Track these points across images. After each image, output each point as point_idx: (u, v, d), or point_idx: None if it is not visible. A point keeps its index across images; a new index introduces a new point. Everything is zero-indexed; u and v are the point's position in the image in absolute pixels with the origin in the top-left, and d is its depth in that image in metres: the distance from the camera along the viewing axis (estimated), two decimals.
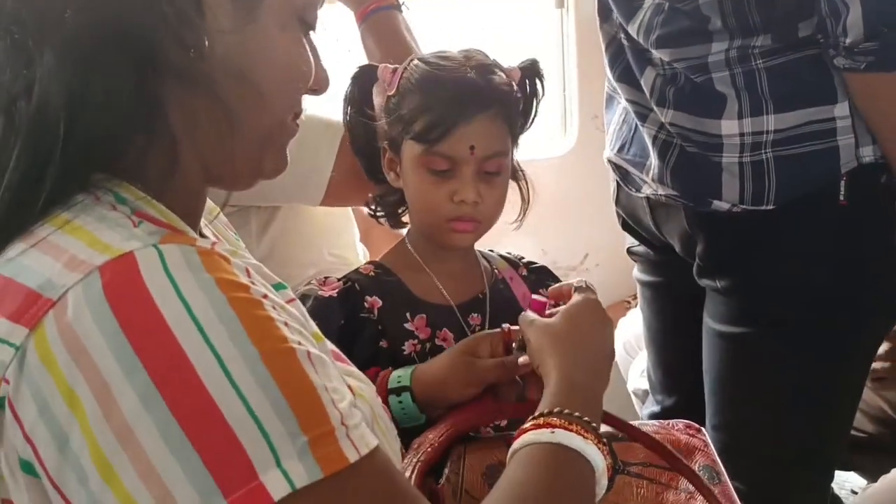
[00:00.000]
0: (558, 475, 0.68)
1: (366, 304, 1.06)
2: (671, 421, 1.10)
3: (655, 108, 1.28)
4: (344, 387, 0.57)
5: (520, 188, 1.17)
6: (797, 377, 1.29)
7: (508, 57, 1.14)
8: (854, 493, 1.96)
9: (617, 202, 1.50)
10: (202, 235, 0.74)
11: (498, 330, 0.98)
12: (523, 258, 1.24)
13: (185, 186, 0.63)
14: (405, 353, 1.06)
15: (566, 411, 0.72)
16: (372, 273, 1.11)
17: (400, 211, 1.17)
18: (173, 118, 0.60)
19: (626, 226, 1.52)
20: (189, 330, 0.50)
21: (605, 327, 0.88)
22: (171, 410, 0.48)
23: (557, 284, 0.99)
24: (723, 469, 0.99)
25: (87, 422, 0.49)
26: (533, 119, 1.15)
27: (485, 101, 1.05)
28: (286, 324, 0.54)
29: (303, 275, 1.37)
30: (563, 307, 0.89)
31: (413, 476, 0.84)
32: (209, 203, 0.83)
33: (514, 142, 1.12)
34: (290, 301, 0.63)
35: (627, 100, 1.35)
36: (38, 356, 0.51)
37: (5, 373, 0.51)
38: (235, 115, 0.62)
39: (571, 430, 0.71)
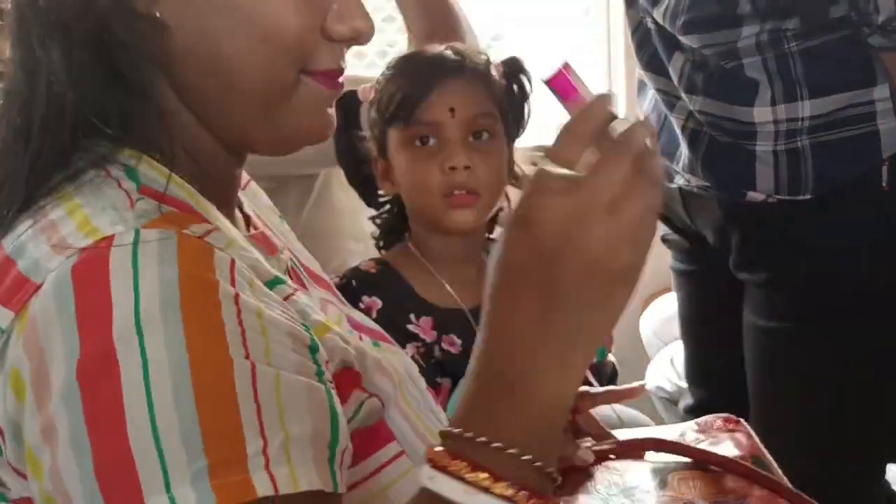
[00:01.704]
0: None
1: (361, 305, 1.01)
2: (708, 419, 1.07)
3: (684, 96, 1.24)
4: (309, 415, 0.50)
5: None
6: (838, 371, 1.25)
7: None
8: None
9: None
10: (242, 211, 0.73)
11: None
12: None
13: (199, 154, 0.62)
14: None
15: (468, 434, 0.46)
16: (374, 270, 1.07)
17: (399, 227, 1.12)
18: (160, 92, 0.59)
19: (659, 216, 1.48)
20: (128, 326, 0.47)
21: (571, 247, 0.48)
22: (83, 411, 0.46)
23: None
24: (771, 459, 0.96)
25: (27, 411, 0.49)
26: (527, 118, 1.10)
27: (457, 67, 1.02)
28: (243, 333, 0.49)
29: (346, 247, 1.37)
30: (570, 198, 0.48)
31: None
32: (252, 185, 0.83)
33: (504, 121, 1.06)
34: (288, 296, 0.58)
35: (655, 88, 1.32)
36: (17, 341, 0.50)
37: None
38: (217, 83, 0.59)
39: (455, 474, 0.45)
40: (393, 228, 1.13)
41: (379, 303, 1.02)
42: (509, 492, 0.43)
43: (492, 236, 1.17)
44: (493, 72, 1.06)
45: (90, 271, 0.49)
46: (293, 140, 0.64)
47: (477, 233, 1.09)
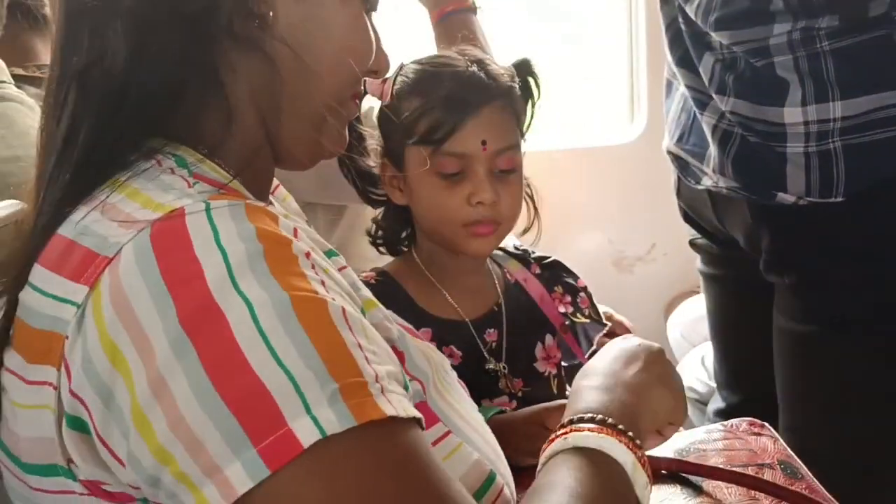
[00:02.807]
0: (579, 482, 0.60)
1: None
2: (734, 422, 1.08)
3: (715, 96, 1.22)
4: (386, 358, 0.54)
5: (527, 196, 1.10)
6: (868, 375, 1.23)
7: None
8: None
9: (678, 194, 1.44)
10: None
11: None
12: (532, 252, 1.16)
13: (245, 153, 0.63)
14: None
15: (598, 417, 0.65)
16: (373, 280, 1.05)
17: (403, 236, 1.10)
18: (233, 84, 0.61)
19: (687, 218, 1.47)
20: (222, 276, 0.49)
21: (662, 364, 0.77)
22: (199, 358, 0.48)
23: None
24: (800, 463, 0.97)
25: (129, 374, 0.49)
26: (531, 122, 1.07)
27: (489, 92, 0.99)
28: (322, 283, 0.53)
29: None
30: None
31: None
32: (282, 189, 0.84)
33: (522, 138, 1.05)
34: (342, 268, 0.62)
35: (687, 86, 1.30)
36: (93, 314, 0.51)
37: (68, 331, 0.52)
38: (291, 86, 0.62)
39: (582, 431, 0.63)
40: (397, 235, 1.10)
41: None
42: (613, 434, 0.64)
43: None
44: (516, 88, 1.04)
45: (169, 236, 0.51)
46: (321, 154, 0.70)
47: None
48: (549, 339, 1.09)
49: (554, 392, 1.08)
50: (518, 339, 1.07)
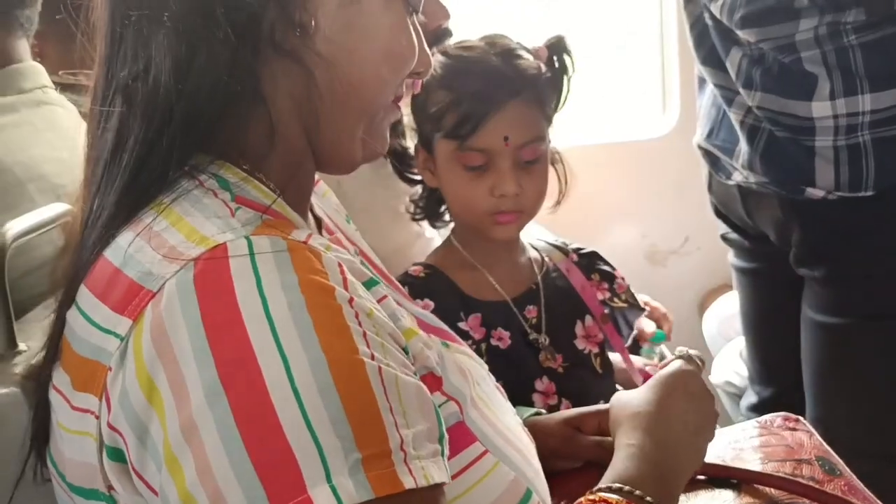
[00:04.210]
0: None
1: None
2: (768, 418, 1.07)
3: (742, 91, 1.22)
4: (417, 416, 0.53)
5: (556, 172, 1.13)
6: (894, 370, 1.22)
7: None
8: None
9: (709, 189, 1.44)
10: (314, 214, 0.76)
11: (609, 406, 0.91)
12: (571, 244, 1.20)
13: (289, 165, 0.63)
14: None
15: (626, 488, 0.66)
16: (422, 274, 1.09)
17: (441, 210, 1.15)
18: (275, 96, 0.61)
19: (718, 213, 1.46)
20: (262, 329, 0.49)
21: (699, 402, 0.79)
22: (231, 410, 0.48)
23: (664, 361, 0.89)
24: (838, 459, 0.96)
25: (163, 414, 0.50)
26: (566, 97, 1.09)
27: (513, 87, 1.02)
28: (364, 334, 0.53)
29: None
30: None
31: None
32: (321, 185, 0.85)
33: (549, 124, 1.08)
34: (382, 299, 0.61)
35: (714, 84, 1.30)
36: (134, 348, 0.51)
37: (111, 362, 0.53)
38: (334, 94, 0.62)
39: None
40: (435, 210, 1.16)
41: (431, 304, 1.04)
42: None
43: None
44: (542, 77, 1.06)
45: (212, 278, 0.51)
46: (365, 157, 0.69)
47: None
48: (588, 319, 1.12)
49: (597, 370, 1.11)
50: (558, 318, 1.11)
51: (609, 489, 0.67)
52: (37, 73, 1.25)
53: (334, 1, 0.61)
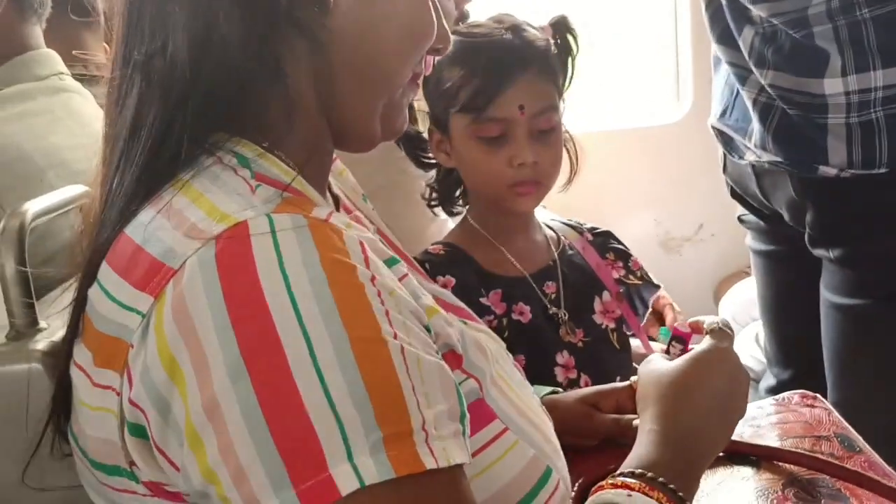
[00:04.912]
0: None
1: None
2: (785, 395, 1.07)
3: (755, 70, 1.21)
4: (439, 396, 0.53)
5: (567, 151, 1.14)
6: None
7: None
8: None
9: (724, 170, 1.44)
10: (331, 193, 0.76)
11: (626, 384, 0.91)
12: (585, 224, 1.21)
13: (308, 142, 0.63)
14: None
15: (650, 475, 0.65)
16: (442, 252, 1.11)
17: (457, 195, 1.16)
18: (294, 72, 0.60)
19: (734, 194, 1.46)
20: (284, 306, 0.49)
21: (731, 382, 0.76)
22: (254, 389, 0.48)
23: (694, 319, 0.86)
24: (857, 435, 0.96)
25: (185, 392, 0.50)
26: (572, 77, 1.11)
27: (525, 59, 1.04)
28: (387, 313, 0.53)
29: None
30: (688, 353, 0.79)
31: None
32: (337, 163, 0.85)
33: (560, 97, 1.09)
34: (402, 277, 0.61)
35: (728, 62, 1.29)
36: (156, 325, 0.52)
37: (132, 339, 0.53)
38: (356, 70, 0.62)
39: (651, 497, 0.63)
40: (451, 195, 1.17)
41: (452, 281, 1.06)
42: None
43: None
44: (552, 50, 1.08)
45: (234, 256, 0.51)
46: (384, 135, 0.69)
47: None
48: (606, 295, 1.14)
49: (615, 346, 1.12)
50: (576, 293, 1.12)
51: (631, 474, 0.66)
52: (52, 59, 1.26)
53: None
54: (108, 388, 0.55)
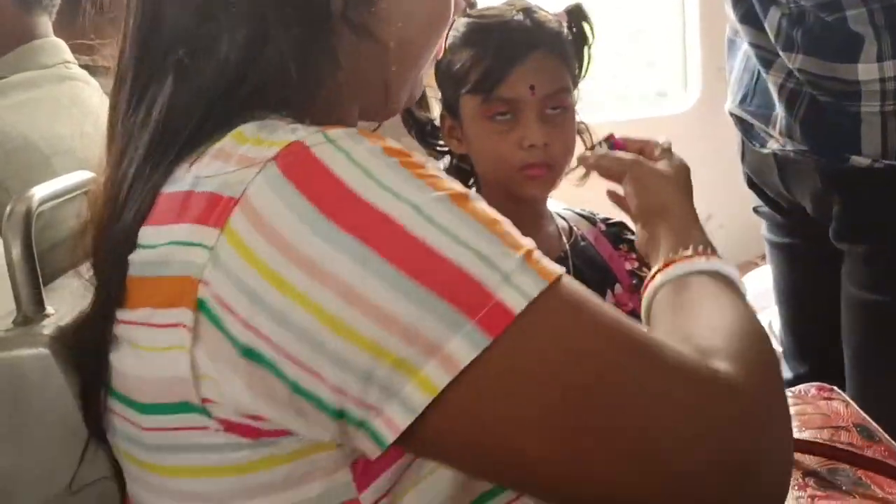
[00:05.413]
0: (735, 299, 0.67)
1: None
2: (802, 388, 1.07)
3: (782, 54, 1.18)
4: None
5: (583, 141, 1.12)
6: None
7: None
8: None
9: (742, 159, 1.41)
10: None
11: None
12: (598, 214, 1.20)
13: (339, 121, 0.64)
14: None
15: (700, 247, 0.72)
16: None
17: (469, 183, 1.13)
18: (341, 63, 0.62)
19: (751, 184, 1.43)
20: (370, 186, 0.51)
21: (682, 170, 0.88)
22: (387, 260, 0.50)
23: (643, 140, 0.94)
24: (876, 426, 0.96)
25: (304, 296, 0.50)
26: (588, 65, 1.10)
27: (536, 39, 1.02)
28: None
29: None
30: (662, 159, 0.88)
31: None
32: None
33: (574, 81, 1.07)
34: None
35: (751, 43, 1.25)
36: (235, 251, 0.52)
37: (203, 274, 0.53)
38: (396, 54, 0.66)
39: (714, 258, 0.71)
40: (463, 185, 1.15)
41: None
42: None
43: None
44: (564, 33, 1.07)
45: (301, 165, 0.52)
46: (407, 103, 0.73)
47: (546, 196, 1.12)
48: (618, 287, 1.12)
49: None
50: (588, 285, 1.08)
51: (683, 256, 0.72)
52: (58, 48, 1.25)
53: None
54: (178, 326, 0.54)
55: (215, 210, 0.53)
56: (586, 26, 1.08)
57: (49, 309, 0.70)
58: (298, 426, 0.54)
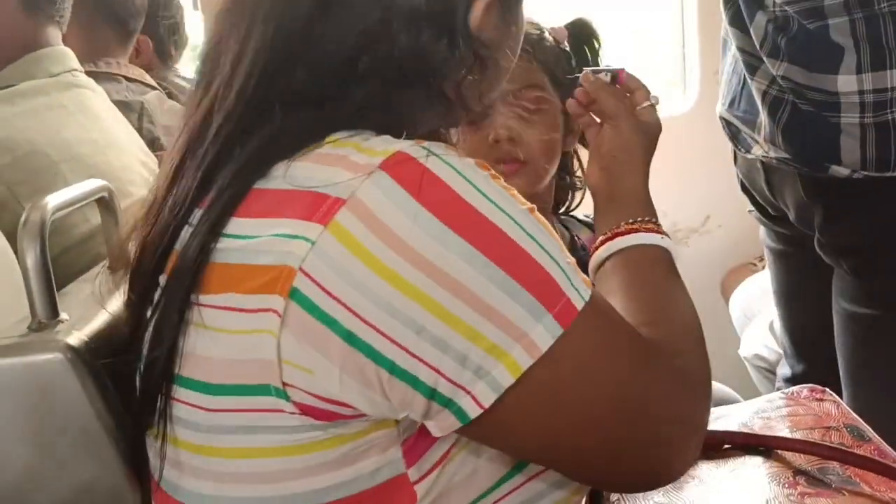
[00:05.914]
0: (674, 272, 0.82)
1: None
2: (794, 389, 1.08)
3: (766, 60, 1.17)
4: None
5: (570, 172, 1.13)
6: None
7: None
8: None
9: (735, 162, 1.40)
10: None
11: None
12: None
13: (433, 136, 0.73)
14: None
15: (639, 221, 0.84)
16: None
17: None
18: (451, 93, 0.70)
19: (744, 188, 1.42)
20: (477, 197, 0.59)
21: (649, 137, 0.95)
22: (492, 261, 0.58)
23: (642, 84, 0.96)
24: (867, 426, 0.97)
25: (414, 288, 0.57)
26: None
27: None
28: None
29: None
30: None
31: None
32: None
33: (557, 88, 1.06)
34: None
35: (738, 48, 1.24)
36: (343, 246, 0.57)
37: (301, 264, 0.57)
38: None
39: (653, 232, 0.83)
40: None
41: None
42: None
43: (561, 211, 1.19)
44: (546, 36, 1.06)
45: (412, 173, 0.59)
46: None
47: (534, 201, 1.11)
48: None
49: None
50: None
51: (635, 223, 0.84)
52: (66, 56, 1.27)
53: (484, 8, 0.70)
54: (268, 311, 0.58)
55: (320, 208, 0.58)
56: (595, 44, 1.09)
57: (63, 315, 0.71)
58: (374, 408, 0.60)
